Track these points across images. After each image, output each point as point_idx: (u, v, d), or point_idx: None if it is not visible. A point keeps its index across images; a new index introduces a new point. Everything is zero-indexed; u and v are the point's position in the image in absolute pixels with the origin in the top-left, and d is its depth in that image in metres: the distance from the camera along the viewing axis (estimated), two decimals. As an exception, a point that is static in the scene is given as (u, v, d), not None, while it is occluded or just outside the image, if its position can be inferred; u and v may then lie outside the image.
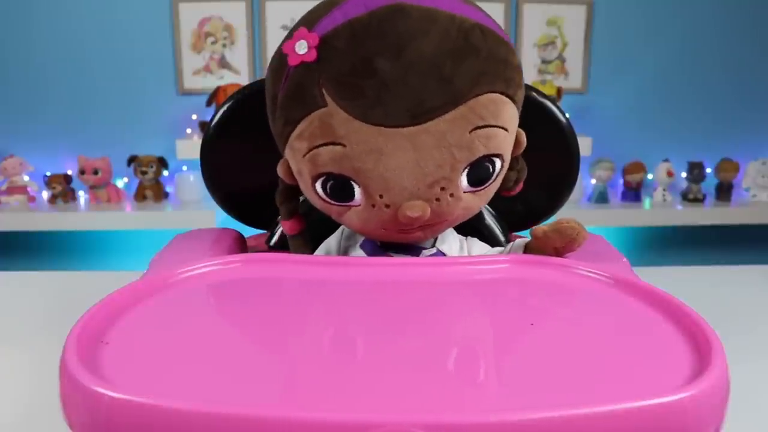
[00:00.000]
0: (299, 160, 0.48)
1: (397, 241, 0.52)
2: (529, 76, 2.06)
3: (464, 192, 0.48)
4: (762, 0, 2.04)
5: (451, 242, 0.54)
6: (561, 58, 2.07)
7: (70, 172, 2.01)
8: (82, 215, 1.90)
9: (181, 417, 0.29)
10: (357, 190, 0.47)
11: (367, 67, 0.44)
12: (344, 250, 0.55)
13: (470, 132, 0.45)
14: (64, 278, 0.94)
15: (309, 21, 0.47)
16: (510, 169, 0.52)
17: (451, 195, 0.47)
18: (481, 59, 0.45)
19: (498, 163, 0.48)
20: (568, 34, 2.05)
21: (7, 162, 1.93)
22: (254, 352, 0.39)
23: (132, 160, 1.97)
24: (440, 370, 0.35)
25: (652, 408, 0.30)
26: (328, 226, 0.54)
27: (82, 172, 1.92)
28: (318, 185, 0.48)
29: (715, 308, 0.45)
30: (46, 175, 1.96)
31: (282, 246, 0.57)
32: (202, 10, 1.98)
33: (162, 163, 2.00)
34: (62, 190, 1.95)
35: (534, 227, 0.51)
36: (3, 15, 1.94)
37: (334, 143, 0.46)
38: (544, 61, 2.06)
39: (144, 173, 1.95)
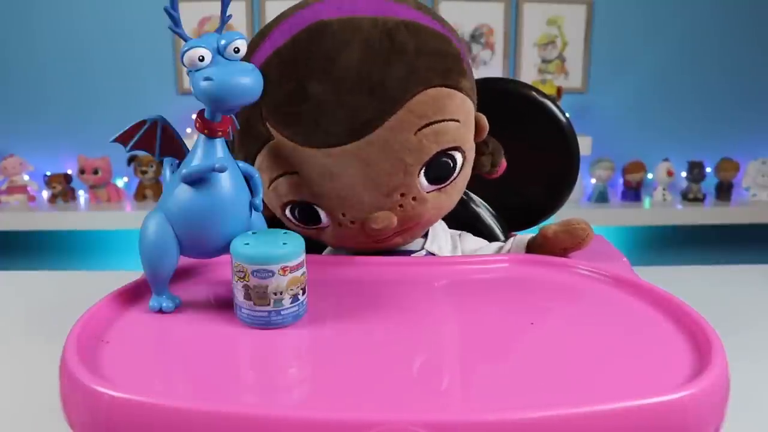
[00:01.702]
0: (266, 192, 0.48)
1: (379, 248, 0.52)
2: (530, 76, 2.06)
3: (428, 192, 0.48)
4: (762, 0, 2.04)
5: (441, 241, 0.54)
6: (561, 58, 2.06)
7: (70, 172, 2.01)
8: (82, 215, 1.90)
9: (181, 416, 0.29)
10: (321, 212, 0.48)
11: (300, 93, 0.44)
12: None
13: (415, 133, 0.45)
14: (64, 278, 0.94)
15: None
16: (481, 153, 0.52)
17: (414, 198, 0.47)
18: (409, 57, 0.44)
19: (458, 155, 0.48)
20: (568, 33, 2.05)
21: (7, 161, 1.92)
22: (254, 352, 0.39)
23: (132, 159, 1.97)
24: (441, 369, 0.35)
25: (653, 406, 0.30)
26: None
27: (82, 171, 1.92)
28: (287, 213, 0.49)
29: (715, 308, 0.45)
30: (46, 175, 1.96)
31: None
32: (202, 10, 1.98)
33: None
34: (62, 189, 1.95)
35: (543, 227, 0.51)
36: (4, 15, 1.94)
37: (288, 173, 0.46)
38: (544, 61, 2.06)
39: (144, 173, 1.95)
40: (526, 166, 0.54)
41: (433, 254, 0.53)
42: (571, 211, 1.86)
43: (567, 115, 0.61)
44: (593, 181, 2.04)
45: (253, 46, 0.47)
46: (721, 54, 2.07)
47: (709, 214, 1.99)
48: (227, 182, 0.41)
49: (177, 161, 0.43)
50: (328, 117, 0.44)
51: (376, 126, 0.44)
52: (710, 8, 2.04)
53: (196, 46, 0.38)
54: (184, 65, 0.38)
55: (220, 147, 0.41)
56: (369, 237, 0.48)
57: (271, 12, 1.97)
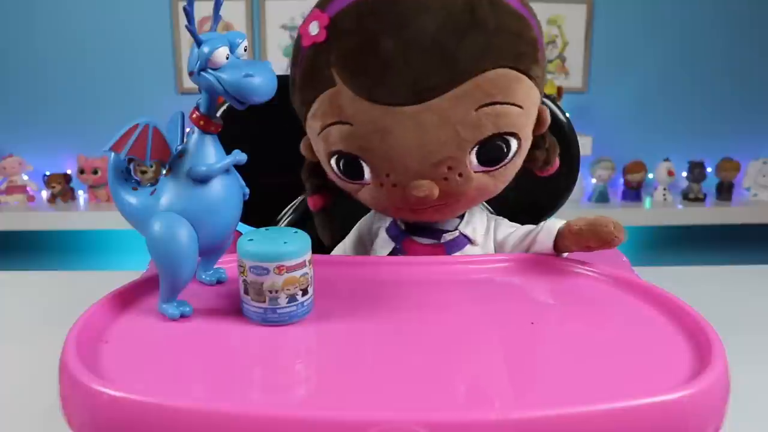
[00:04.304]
0: (315, 139, 0.49)
1: (413, 219, 0.52)
2: (530, 76, 2.05)
3: (475, 171, 0.47)
4: (762, 0, 2.04)
5: (477, 224, 0.54)
6: (561, 57, 2.06)
7: (69, 172, 2.01)
8: (81, 215, 1.90)
9: (180, 415, 0.29)
10: (366, 168, 0.48)
11: (371, 45, 0.44)
12: (376, 232, 0.56)
13: (476, 110, 0.44)
14: (64, 278, 0.94)
15: (322, 1, 0.47)
16: (536, 147, 0.51)
17: (460, 175, 0.47)
18: (487, 33, 0.44)
19: (513, 142, 0.47)
20: (569, 33, 2.05)
21: (6, 161, 1.92)
22: (254, 351, 0.39)
23: (132, 159, 1.97)
24: (441, 369, 0.35)
25: (652, 406, 0.30)
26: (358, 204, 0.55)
27: (81, 171, 1.92)
28: (332, 162, 0.49)
29: (715, 308, 0.45)
30: (45, 175, 1.96)
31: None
32: (202, 10, 1.97)
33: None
34: (61, 189, 1.95)
35: (570, 221, 0.50)
36: (3, 15, 1.94)
37: (342, 122, 0.46)
38: (545, 61, 2.06)
39: (144, 173, 1.95)
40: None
41: (467, 236, 0.53)
42: (572, 211, 1.85)
43: (567, 115, 0.61)
44: (593, 181, 2.04)
45: None
46: (721, 54, 2.07)
47: (710, 214, 1.98)
48: (228, 173, 0.42)
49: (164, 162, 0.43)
50: (395, 75, 0.44)
51: (439, 93, 0.44)
52: (710, 8, 2.04)
53: (222, 45, 0.38)
54: (198, 64, 0.39)
55: (213, 141, 0.42)
56: (406, 203, 0.48)
57: (271, 12, 1.97)
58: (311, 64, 0.46)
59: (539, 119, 0.49)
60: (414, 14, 0.43)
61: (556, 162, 0.53)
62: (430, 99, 0.44)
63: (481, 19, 0.44)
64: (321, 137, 0.48)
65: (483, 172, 0.48)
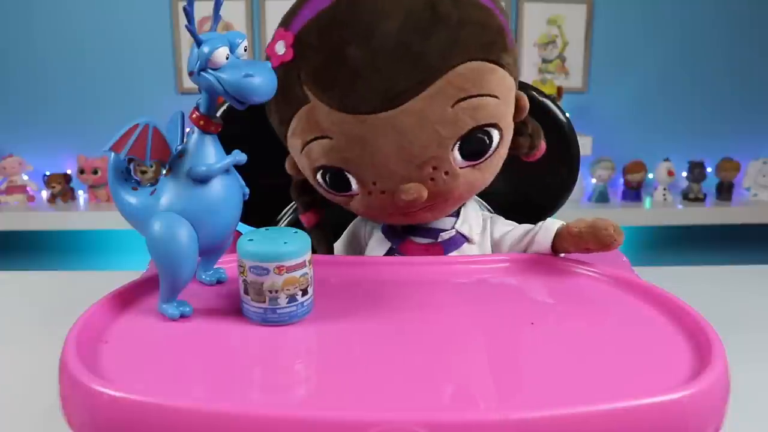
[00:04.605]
0: (298, 156, 0.49)
1: (406, 223, 0.52)
2: (530, 75, 2.06)
3: (461, 167, 0.47)
4: (762, 0, 2.04)
5: (472, 222, 0.54)
6: (561, 57, 2.06)
7: (69, 172, 2.01)
8: (81, 215, 1.90)
9: (180, 415, 0.29)
10: (352, 179, 0.48)
11: (338, 57, 0.44)
12: (370, 231, 0.56)
13: (452, 106, 0.44)
14: (64, 278, 0.94)
15: (285, 20, 0.48)
16: (519, 134, 0.51)
17: (446, 173, 0.47)
18: (451, 28, 0.44)
19: (495, 132, 0.47)
20: (569, 33, 2.05)
21: (6, 161, 1.92)
22: (254, 351, 0.39)
23: (132, 159, 1.96)
24: (441, 369, 0.35)
25: (651, 406, 0.30)
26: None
27: (81, 171, 1.92)
28: (319, 177, 0.49)
29: (715, 308, 0.45)
30: (45, 175, 1.96)
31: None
32: (201, 10, 1.97)
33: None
34: (61, 189, 1.95)
35: (571, 223, 0.50)
36: (3, 15, 1.94)
37: (322, 137, 0.46)
38: (545, 60, 2.06)
39: (144, 173, 1.95)
40: (526, 165, 0.54)
41: (464, 235, 0.53)
42: (572, 211, 1.85)
43: (567, 115, 0.61)
44: (593, 181, 2.04)
45: (294, 10, 0.47)
46: (721, 54, 2.07)
47: (710, 214, 1.98)
48: (228, 173, 0.42)
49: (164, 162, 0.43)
50: (365, 83, 0.44)
51: (412, 96, 0.44)
52: (711, 8, 2.04)
53: (222, 45, 0.38)
54: (198, 64, 0.39)
55: (213, 141, 0.41)
56: (398, 208, 0.48)
57: (271, 12, 1.97)
58: (283, 83, 0.47)
59: (518, 106, 0.49)
60: (377, 20, 0.43)
61: (542, 145, 0.53)
62: (404, 102, 0.44)
63: (444, 15, 0.44)
64: (304, 154, 0.48)
65: (469, 166, 0.47)
